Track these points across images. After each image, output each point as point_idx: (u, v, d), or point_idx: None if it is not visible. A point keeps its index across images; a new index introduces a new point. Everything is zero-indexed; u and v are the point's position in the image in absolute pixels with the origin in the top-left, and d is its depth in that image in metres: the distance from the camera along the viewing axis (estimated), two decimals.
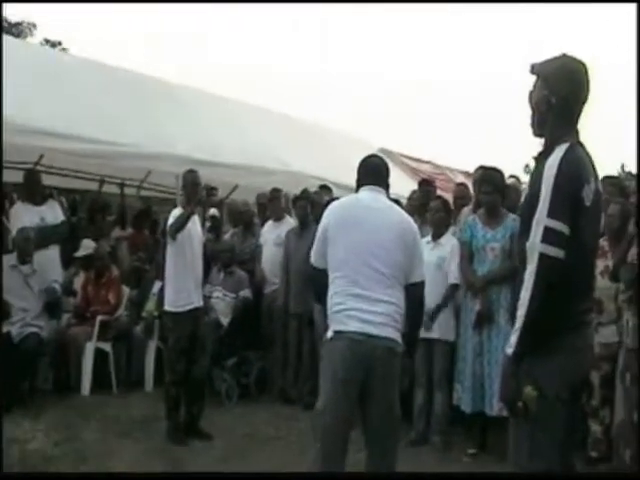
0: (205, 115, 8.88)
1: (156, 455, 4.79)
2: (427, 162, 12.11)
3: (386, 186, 3.52)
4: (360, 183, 3.53)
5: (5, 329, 5.89)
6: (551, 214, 2.44)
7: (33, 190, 7.06)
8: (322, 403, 3.22)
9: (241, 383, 6.55)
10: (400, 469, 4.54)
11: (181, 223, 5.19)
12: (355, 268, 3.22)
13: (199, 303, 5.34)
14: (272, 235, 6.90)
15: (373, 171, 3.56)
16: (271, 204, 7.15)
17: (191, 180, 5.38)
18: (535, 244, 2.47)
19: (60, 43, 19.74)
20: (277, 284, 6.70)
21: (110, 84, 7.92)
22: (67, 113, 6.76)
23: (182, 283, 5.23)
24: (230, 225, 8.07)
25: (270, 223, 7.10)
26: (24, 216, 6.75)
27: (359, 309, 3.18)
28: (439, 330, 5.24)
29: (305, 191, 6.98)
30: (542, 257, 2.44)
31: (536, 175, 2.57)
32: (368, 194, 3.45)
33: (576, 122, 2.63)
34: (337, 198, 3.82)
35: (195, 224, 5.42)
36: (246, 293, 6.74)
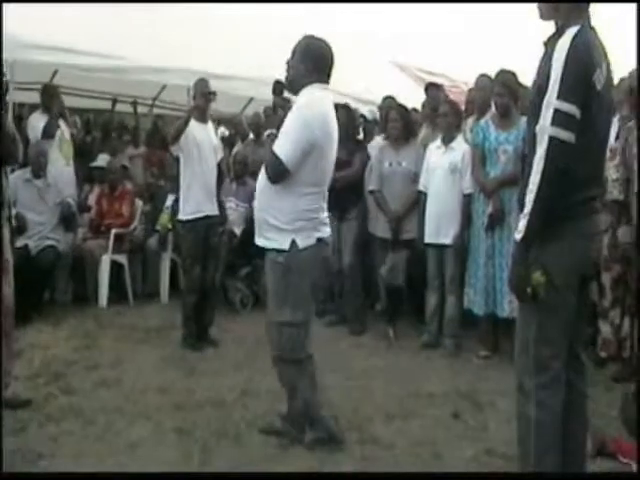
0: (219, 28, 8.70)
1: (171, 361, 4.90)
2: (441, 75, 11.85)
3: None
4: (318, 76, 3.38)
5: (22, 242, 5.97)
6: (561, 96, 2.38)
7: (50, 104, 7.01)
8: (302, 315, 3.38)
9: (255, 292, 6.62)
10: (412, 372, 4.73)
11: (178, 128, 5.18)
12: (325, 186, 3.45)
13: (211, 212, 5.35)
14: None
15: (329, 64, 3.43)
16: (277, 115, 7.04)
17: (200, 89, 5.31)
18: (545, 127, 2.41)
19: None
20: None
21: None
22: (78, 28, 6.67)
23: (191, 192, 5.25)
24: (239, 138, 8.04)
25: None
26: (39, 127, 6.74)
27: (324, 215, 3.46)
28: (450, 236, 5.25)
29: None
30: (552, 140, 2.39)
31: (546, 59, 2.49)
32: (329, 99, 3.44)
33: (588, 6, 2.54)
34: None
35: (207, 133, 5.38)
36: None
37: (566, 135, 2.38)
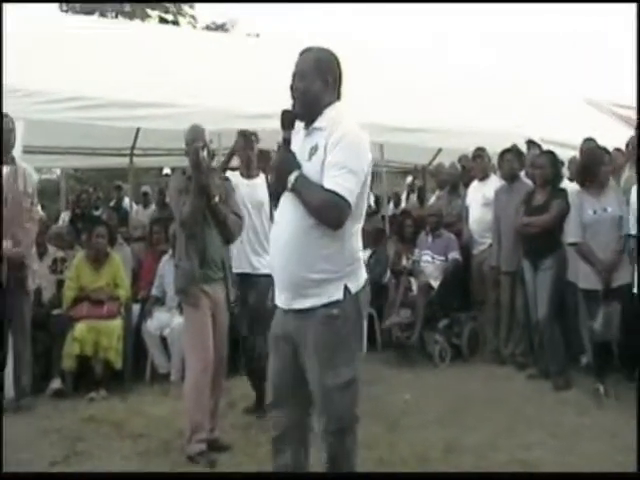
0: (402, 79, 8.89)
1: (373, 415, 4.67)
2: (635, 107, 11.25)
3: None
4: (337, 91, 2.89)
5: None
6: None
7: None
8: (358, 364, 2.84)
9: (453, 344, 6.58)
10: (627, 431, 4.39)
11: None
12: None
13: (244, 270, 5.06)
14: (478, 195, 6.79)
15: (341, 76, 2.92)
16: (475, 163, 7.03)
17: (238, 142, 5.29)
18: None
19: (258, 35, 20.11)
20: (485, 244, 6.62)
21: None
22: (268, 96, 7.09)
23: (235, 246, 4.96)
24: (437, 188, 8.09)
25: (475, 183, 6.98)
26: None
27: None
28: None
29: (514, 145, 6.80)
30: None
31: None
32: None
33: None
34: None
35: (251, 189, 5.18)
36: (455, 255, 6.72)
37: None
